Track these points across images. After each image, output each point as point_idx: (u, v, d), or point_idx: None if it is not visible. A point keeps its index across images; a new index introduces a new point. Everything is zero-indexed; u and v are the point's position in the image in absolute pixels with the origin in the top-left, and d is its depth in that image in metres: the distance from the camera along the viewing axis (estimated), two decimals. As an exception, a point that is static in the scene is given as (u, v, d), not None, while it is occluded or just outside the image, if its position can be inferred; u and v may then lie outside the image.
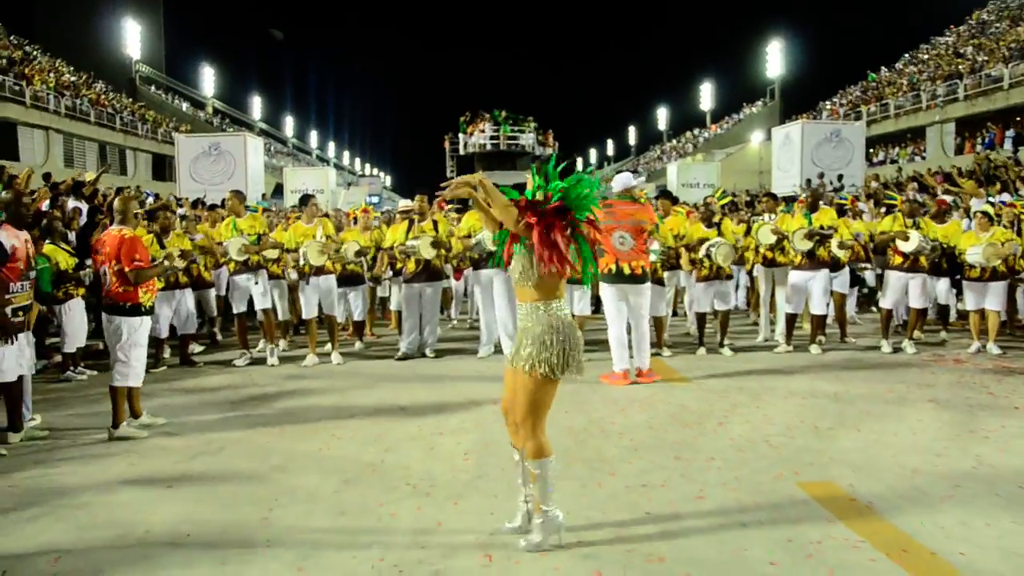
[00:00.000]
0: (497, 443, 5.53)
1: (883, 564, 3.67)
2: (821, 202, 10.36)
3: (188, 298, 9.49)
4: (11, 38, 42.27)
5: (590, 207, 3.78)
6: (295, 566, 3.73)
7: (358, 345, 10.43)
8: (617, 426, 6.25)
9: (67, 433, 6.37)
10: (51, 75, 40.18)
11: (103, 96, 46.30)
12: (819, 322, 9.76)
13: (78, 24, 58.93)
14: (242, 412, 6.96)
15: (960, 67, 36.00)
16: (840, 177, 21.81)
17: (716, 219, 9.96)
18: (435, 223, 9.61)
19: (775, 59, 59.65)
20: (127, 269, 6.08)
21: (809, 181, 22.37)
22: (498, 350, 9.56)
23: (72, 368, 8.69)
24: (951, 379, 7.94)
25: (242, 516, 4.43)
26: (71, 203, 12.26)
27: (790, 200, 12.86)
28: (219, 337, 11.35)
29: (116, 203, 6.49)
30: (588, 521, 4.20)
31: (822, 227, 9.43)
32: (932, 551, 3.80)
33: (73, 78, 44.41)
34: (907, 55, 47.69)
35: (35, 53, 43.12)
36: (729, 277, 9.65)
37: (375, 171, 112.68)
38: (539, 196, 3.78)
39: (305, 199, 9.96)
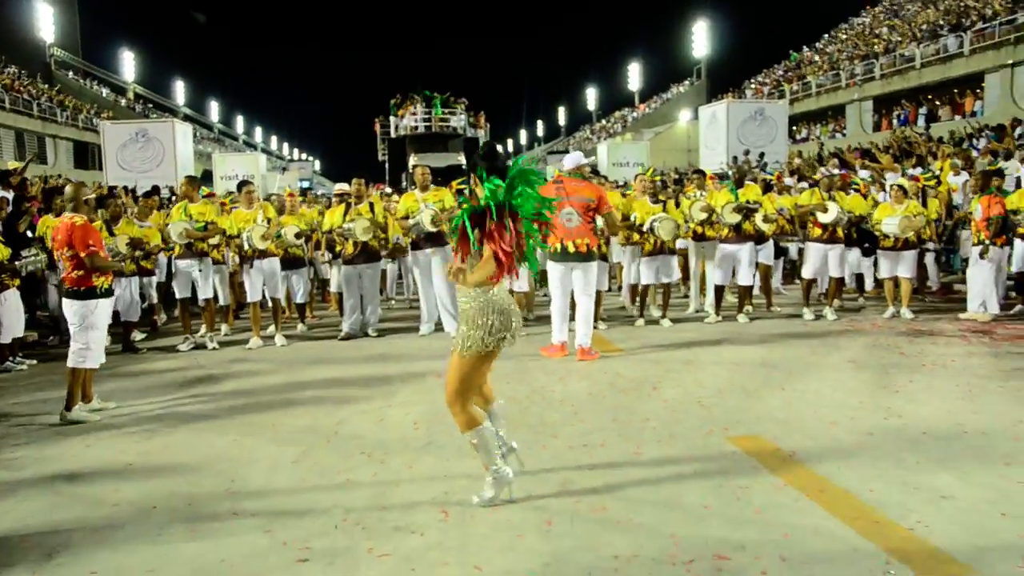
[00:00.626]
0: (444, 412, 5.79)
1: (803, 503, 4.06)
2: (746, 179, 10.93)
3: (133, 285, 9.51)
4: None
5: (533, 203, 3.99)
6: (263, 530, 3.95)
7: (300, 327, 10.52)
8: (557, 394, 6.58)
9: (17, 419, 6.43)
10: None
11: (17, 82, 44.81)
12: (746, 292, 10.30)
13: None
14: (191, 393, 7.09)
15: (876, 47, 37.26)
16: (761, 155, 22.53)
17: (661, 196, 10.33)
18: (371, 205, 9.81)
19: (701, 39, 60.74)
20: (82, 254, 6.15)
21: (735, 158, 23.05)
22: (438, 327, 9.81)
23: (11, 359, 8.66)
24: (867, 342, 8.50)
25: (206, 488, 4.62)
26: (-1, 193, 12.06)
27: (723, 177, 13.32)
28: (160, 323, 11.35)
29: (67, 190, 6.58)
30: (536, 479, 4.50)
31: (748, 201, 9.92)
32: (846, 490, 4.21)
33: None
34: (827, 35, 49.09)
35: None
36: (672, 252, 9.97)
37: (304, 156, 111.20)
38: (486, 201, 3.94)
39: (242, 185, 10.08)
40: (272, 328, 9.86)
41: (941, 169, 14.71)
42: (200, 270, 9.36)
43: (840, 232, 9.99)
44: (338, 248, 10.25)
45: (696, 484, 4.37)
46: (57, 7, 59.89)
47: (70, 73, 59.95)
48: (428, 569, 3.46)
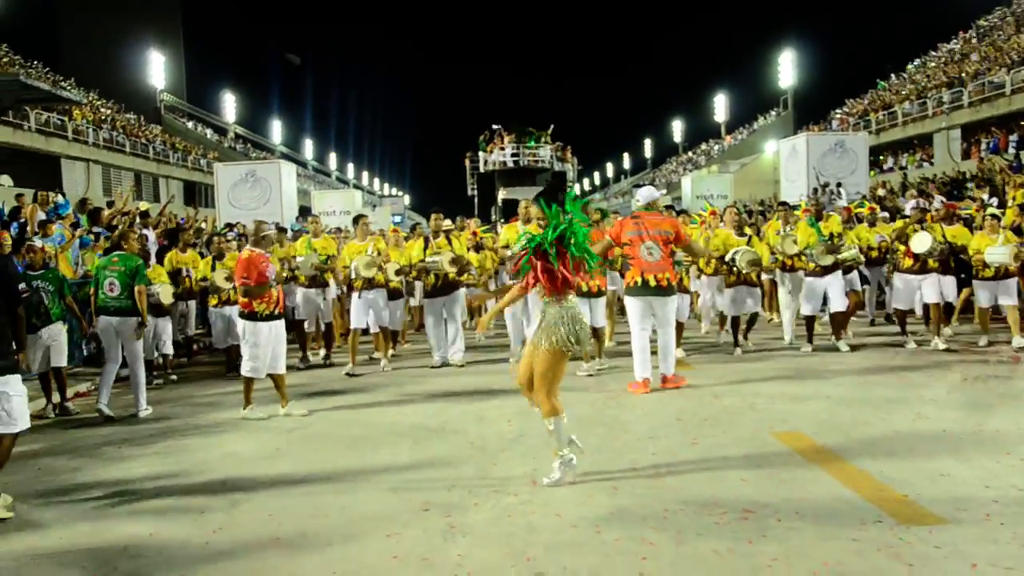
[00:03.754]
0: (533, 412, 6.88)
1: (824, 478, 5.00)
2: (824, 211, 10.95)
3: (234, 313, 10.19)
4: (46, 72, 44.19)
5: (582, 240, 5.07)
6: (392, 491, 5.11)
7: (390, 352, 10.92)
8: (629, 400, 7.60)
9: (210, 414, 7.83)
10: (89, 109, 42.11)
11: (136, 127, 48.25)
12: (842, 320, 10.26)
13: (103, 55, 61.13)
14: (319, 399, 8.35)
15: (964, 74, 37.05)
16: (839, 185, 22.97)
17: (746, 229, 10.71)
18: (449, 239, 10.34)
19: (787, 69, 60.86)
20: (238, 284, 7.56)
21: (815, 190, 23.57)
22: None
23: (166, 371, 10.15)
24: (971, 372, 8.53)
25: (344, 462, 5.84)
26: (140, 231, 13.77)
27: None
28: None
29: (249, 227, 8.10)
30: (607, 460, 5.55)
31: (832, 235, 10.03)
32: (861, 469, 5.12)
33: (107, 111, 46.42)
34: (915, 62, 48.74)
35: (68, 87, 45.04)
36: (754, 283, 10.21)
37: (395, 191, 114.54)
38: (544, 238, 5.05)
39: (357, 218, 10.91)
40: (378, 353, 10.56)
41: (1013, 198, 15.16)
42: (324, 299, 10.61)
43: (932, 263, 9.96)
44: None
45: (738, 464, 5.35)
46: (167, 55, 64.16)
47: (177, 116, 63.89)
48: (520, 516, 4.54)
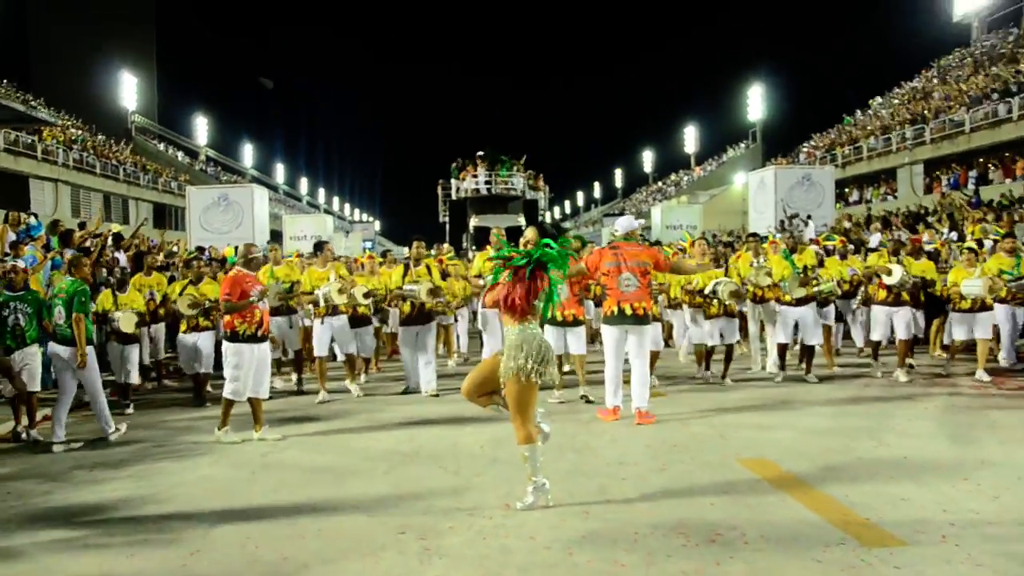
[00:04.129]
0: (506, 438, 6.99)
1: (789, 502, 5.14)
2: (798, 244, 11.07)
3: (202, 340, 10.12)
4: (17, 93, 43.86)
5: (559, 262, 5.24)
6: (368, 515, 5.19)
7: (362, 378, 11.07)
8: (598, 427, 7.73)
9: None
10: (59, 130, 41.80)
11: (106, 149, 47.95)
12: (811, 353, 10.30)
13: (74, 76, 60.89)
14: (293, 426, 8.36)
15: (926, 112, 38.02)
16: (808, 217, 23.41)
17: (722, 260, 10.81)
18: (428, 268, 10.24)
19: (756, 103, 61.99)
20: (221, 300, 7.57)
21: (782, 222, 24.01)
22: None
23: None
24: (943, 403, 8.66)
25: (319, 486, 5.91)
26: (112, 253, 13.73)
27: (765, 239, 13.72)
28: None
29: (240, 249, 8.05)
30: (578, 485, 5.67)
31: (806, 267, 10.26)
32: (826, 494, 5.27)
33: (78, 131, 46.13)
34: (879, 99, 49.92)
35: (40, 107, 44.70)
36: (734, 315, 10.25)
37: (366, 216, 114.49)
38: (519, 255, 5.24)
39: (320, 245, 10.82)
40: (347, 381, 10.35)
41: (972, 233, 15.61)
42: (291, 327, 10.62)
43: (905, 295, 10.18)
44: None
45: (706, 489, 5.49)
46: (140, 77, 63.97)
47: (148, 138, 63.59)
48: (494, 539, 4.64)
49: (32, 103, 44.11)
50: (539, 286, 5.20)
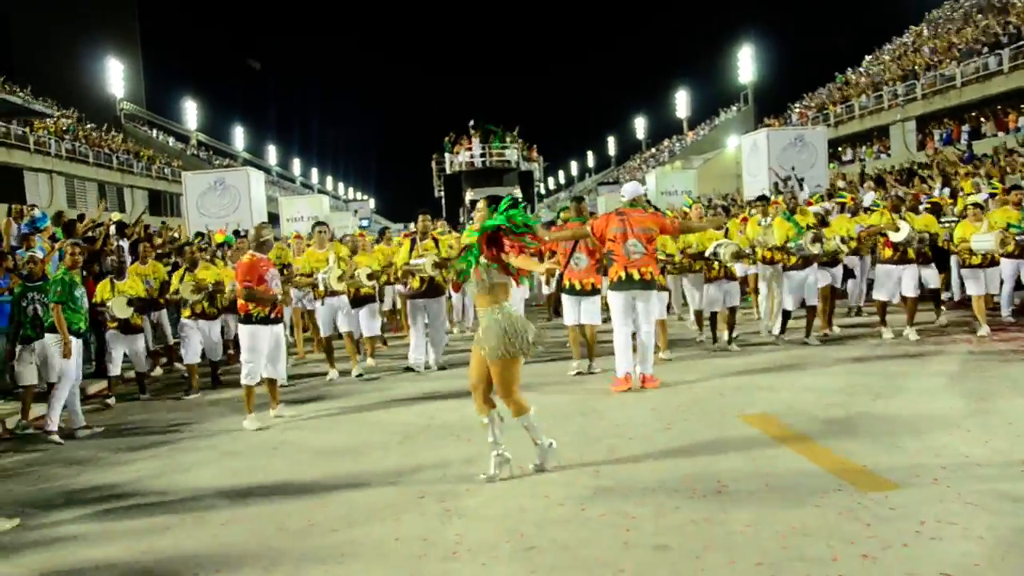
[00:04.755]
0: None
1: (790, 454, 5.40)
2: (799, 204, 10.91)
3: (213, 327, 10.15)
4: (4, 84, 43.70)
5: (524, 229, 5.27)
6: (389, 483, 5.43)
7: (370, 361, 10.85)
8: (604, 393, 7.96)
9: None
10: (50, 120, 41.76)
11: (98, 138, 47.88)
12: (814, 314, 10.28)
13: (58, 63, 60.31)
14: (308, 405, 8.59)
15: (917, 67, 38.01)
16: (801, 180, 23.56)
17: (724, 223, 10.67)
18: (436, 241, 10.18)
19: (747, 64, 61.79)
20: (239, 287, 7.61)
21: (776, 185, 24.16)
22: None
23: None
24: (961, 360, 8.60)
25: (339, 459, 6.17)
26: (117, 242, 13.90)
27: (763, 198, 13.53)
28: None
29: (251, 233, 8.09)
30: (588, 448, 5.92)
31: (809, 226, 9.99)
32: (824, 446, 5.52)
33: (69, 121, 46.03)
34: (869, 56, 49.84)
35: (27, 97, 44.51)
36: (735, 277, 10.21)
37: (361, 195, 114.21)
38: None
39: (316, 225, 10.91)
40: (351, 362, 10.20)
41: (963, 189, 15.79)
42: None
43: (912, 252, 10.03)
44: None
45: (710, 445, 5.75)
46: (125, 63, 63.57)
47: (137, 124, 63.37)
48: (511, 499, 4.89)
49: (18, 93, 44.00)
50: (507, 255, 5.22)
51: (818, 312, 10.52)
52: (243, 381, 7.73)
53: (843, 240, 10.42)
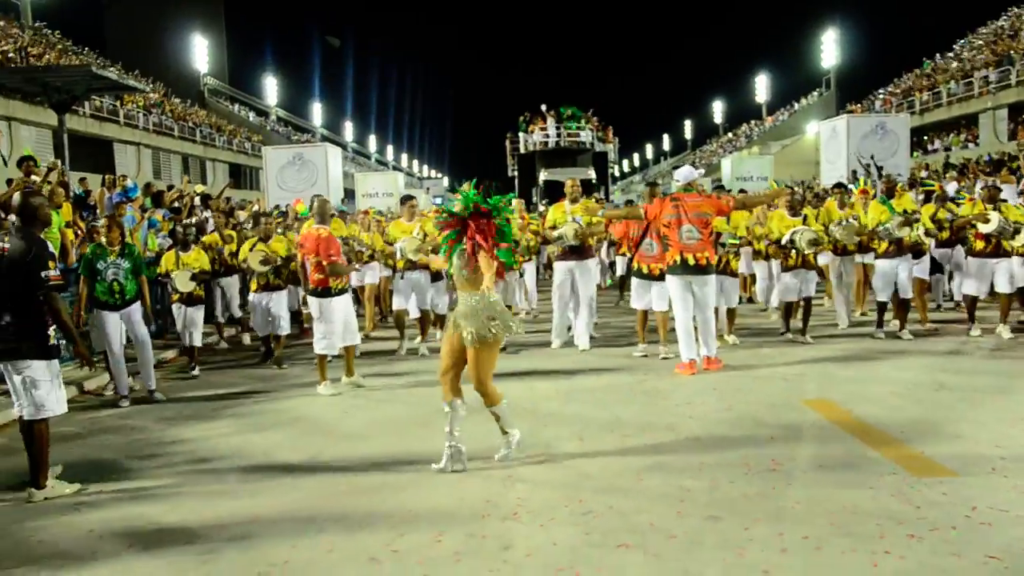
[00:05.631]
0: (578, 385, 7.51)
1: (843, 435, 5.47)
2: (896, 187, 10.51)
3: (274, 299, 9.75)
4: (97, 59, 45.26)
5: (500, 211, 5.22)
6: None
7: (439, 335, 10.65)
8: (667, 373, 8.08)
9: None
10: (138, 95, 43.21)
11: (183, 111, 49.38)
12: (907, 307, 9.77)
13: (147, 41, 62.33)
14: (378, 380, 8.89)
15: (1013, 52, 36.59)
16: (880, 168, 23.03)
17: (801, 209, 10.19)
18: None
19: (830, 49, 60.32)
20: (325, 262, 7.75)
21: (855, 172, 23.68)
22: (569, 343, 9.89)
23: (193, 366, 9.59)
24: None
25: (406, 427, 6.50)
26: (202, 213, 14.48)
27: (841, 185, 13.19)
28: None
29: (315, 205, 8.21)
30: (651, 427, 6.09)
31: (905, 212, 9.50)
32: (882, 430, 5.58)
33: (154, 95, 47.57)
34: (961, 41, 48.09)
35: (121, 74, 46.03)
36: (813, 266, 9.74)
37: (434, 172, 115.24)
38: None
39: (405, 199, 10.71)
40: (418, 339, 10.17)
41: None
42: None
43: (1007, 244, 9.44)
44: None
45: (768, 425, 5.88)
46: (210, 40, 65.28)
47: (220, 99, 65.05)
48: (570, 467, 5.12)
49: (114, 70, 45.56)
50: (486, 242, 5.15)
51: (916, 305, 10.14)
52: (317, 350, 7.96)
53: (927, 232, 9.90)
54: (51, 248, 5.47)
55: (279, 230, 10.85)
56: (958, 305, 11.56)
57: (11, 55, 31.21)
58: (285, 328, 9.85)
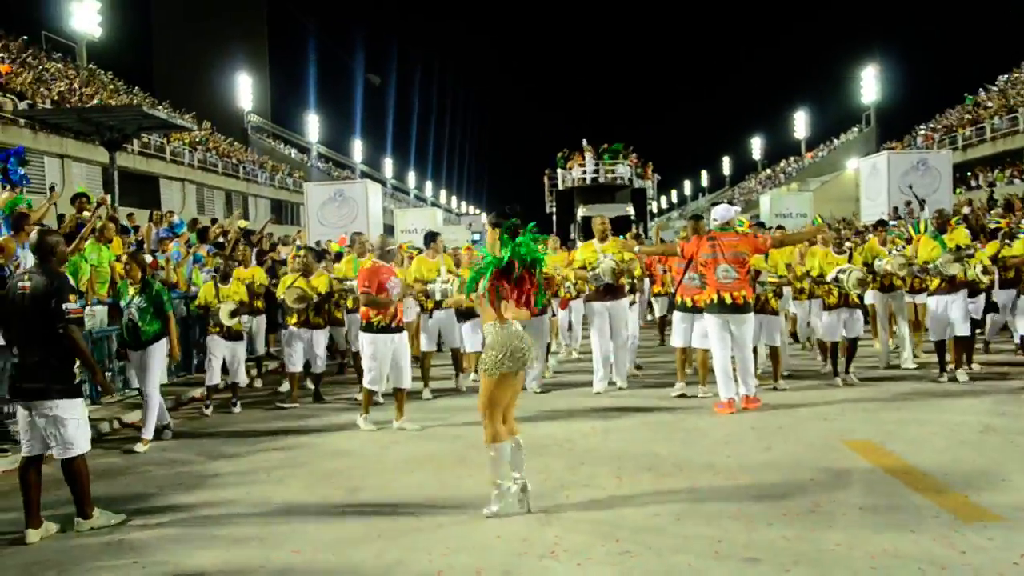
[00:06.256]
0: (614, 426, 7.49)
1: (889, 479, 5.41)
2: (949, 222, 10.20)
3: (314, 337, 9.59)
4: (146, 98, 46.44)
5: (533, 258, 5.11)
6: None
7: (473, 376, 10.13)
8: (707, 411, 8.03)
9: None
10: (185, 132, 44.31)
11: (227, 147, 50.43)
12: (966, 346, 9.42)
13: (193, 78, 64.08)
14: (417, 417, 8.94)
15: (1055, 89, 36.16)
16: (923, 201, 22.79)
17: (848, 245, 9.90)
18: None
19: (870, 85, 59.94)
20: (359, 293, 7.83)
21: (896, 209, 23.46)
22: (612, 383, 9.60)
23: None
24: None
25: (446, 463, 6.49)
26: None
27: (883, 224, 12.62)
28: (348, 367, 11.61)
29: (376, 240, 8.34)
30: (687, 463, 6.06)
31: (959, 247, 9.25)
32: (925, 472, 5.50)
33: (201, 133, 48.69)
34: (1004, 76, 47.57)
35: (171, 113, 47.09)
36: (857, 305, 9.47)
37: (472, 208, 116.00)
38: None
39: (432, 236, 10.52)
40: (454, 378, 10.19)
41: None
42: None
43: None
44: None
45: (808, 466, 5.84)
46: (254, 78, 66.73)
47: (262, 136, 66.33)
48: (607, 507, 5.12)
49: (163, 109, 46.72)
50: (527, 286, 5.12)
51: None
52: (365, 384, 7.93)
53: (986, 270, 9.54)
54: (71, 282, 5.58)
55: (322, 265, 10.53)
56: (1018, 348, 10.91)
57: (66, 95, 32.17)
58: (321, 366, 9.75)
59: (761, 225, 12.25)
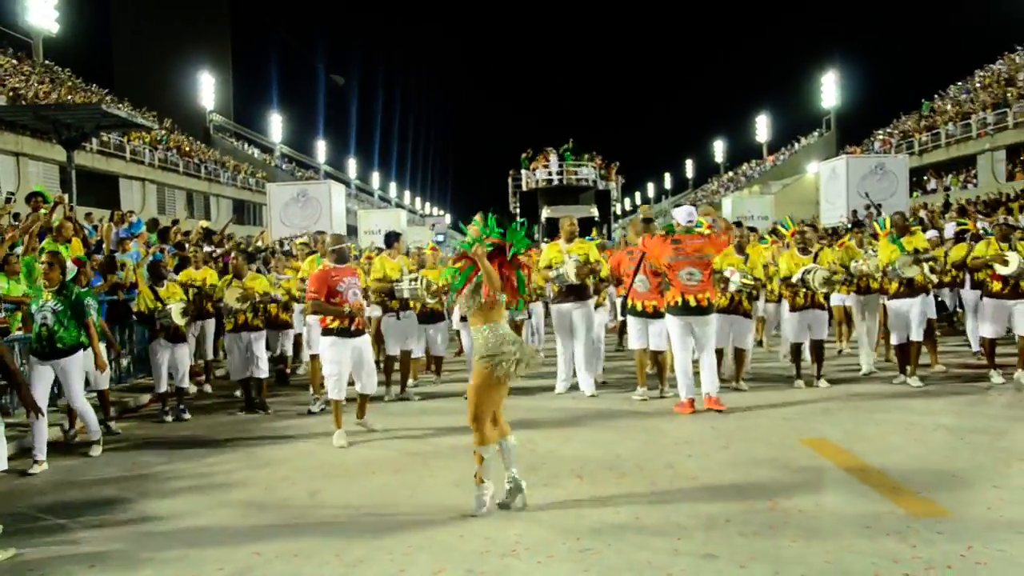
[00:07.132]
0: (574, 428, 7.51)
1: (844, 476, 5.52)
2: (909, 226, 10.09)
3: (259, 340, 9.27)
4: (107, 96, 45.73)
5: (522, 246, 5.20)
6: (453, 483, 5.70)
7: (437, 380, 10.65)
8: (667, 412, 8.11)
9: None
10: (145, 131, 43.69)
11: (189, 146, 49.82)
12: (919, 350, 9.38)
13: (154, 77, 63.33)
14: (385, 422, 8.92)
15: (1009, 95, 36.98)
16: (879, 207, 23.18)
17: (814, 248, 9.85)
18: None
19: (830, 90, 60.88)
20: (307, 299, 7.64)
21: (855, 212, 23.84)
22: (574, 387, 9.46)
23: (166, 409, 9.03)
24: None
25: (410, 466, 6.47)
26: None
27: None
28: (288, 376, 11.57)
29: (327, 239, 8.15)
30: (647, 461, 6.12)
31: (917, 250, 9.25)
32: (882, 471, 5.62)
33: (162, 132, 48.04)
34: (958, 84, 48.56)
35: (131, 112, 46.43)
36: (823, 306, 9.46)
37: (436, 210, 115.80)
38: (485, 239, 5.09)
39: (394, 236, 10.33)
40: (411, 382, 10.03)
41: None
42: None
43: None
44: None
45: (766, 464, 5.93)
46: (216, 77, 66.02)
47: (225, 136, 65.64)
48: (569, 506, 5.15)
49: (123, 108, 45.98)
50: (506, 275, 5.13)
51: (927, 347, 9.85)
52: (329, 395, 7.60)
53: (932, 270, 9.61)
54: None
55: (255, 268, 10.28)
56: (975, 355, 10.93)
57: (22, 91, 31.57)
58: (263, 371, 9.22)
59: (754, 229, 12.29)
